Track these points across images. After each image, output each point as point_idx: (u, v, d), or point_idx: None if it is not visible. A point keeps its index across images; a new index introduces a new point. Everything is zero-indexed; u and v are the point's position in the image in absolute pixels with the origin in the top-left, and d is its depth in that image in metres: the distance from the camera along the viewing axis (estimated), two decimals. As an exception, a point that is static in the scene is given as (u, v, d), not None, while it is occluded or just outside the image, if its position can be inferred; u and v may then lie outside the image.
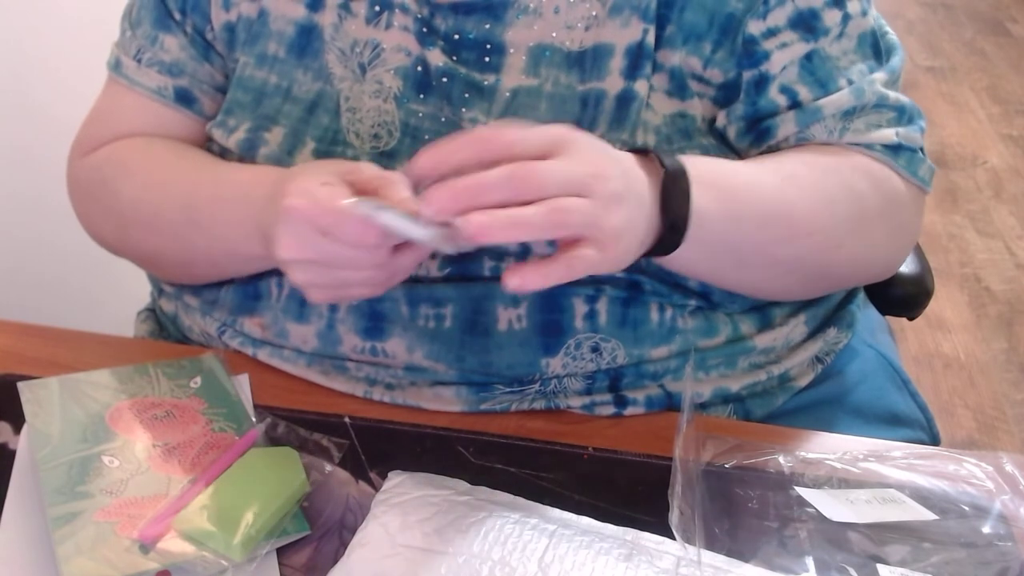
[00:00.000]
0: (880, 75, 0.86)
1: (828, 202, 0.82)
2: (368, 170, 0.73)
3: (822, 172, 0.83)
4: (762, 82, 0.84)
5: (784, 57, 0.84)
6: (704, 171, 0.76)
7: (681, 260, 0.77)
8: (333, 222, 0.69)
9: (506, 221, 0.64)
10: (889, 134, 0.85)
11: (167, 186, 0.88)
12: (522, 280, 0.65)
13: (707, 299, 0.86)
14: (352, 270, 0.72)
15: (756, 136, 0.86)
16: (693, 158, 0.76)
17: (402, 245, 0.72)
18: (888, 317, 1.11)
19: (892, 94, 0.87)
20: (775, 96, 0.85)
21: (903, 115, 0.87)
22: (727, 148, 0.86)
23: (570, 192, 0.65)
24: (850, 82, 0.85)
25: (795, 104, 0.85)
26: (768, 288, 0.87)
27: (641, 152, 0.75)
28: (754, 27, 0.83)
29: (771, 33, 0.84)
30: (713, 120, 0.86)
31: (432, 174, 0.66)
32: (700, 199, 0.74)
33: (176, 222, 0.87)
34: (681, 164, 0.74)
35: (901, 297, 1.10)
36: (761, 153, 0.86)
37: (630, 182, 0.71)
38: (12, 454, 0.77)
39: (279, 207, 0.72)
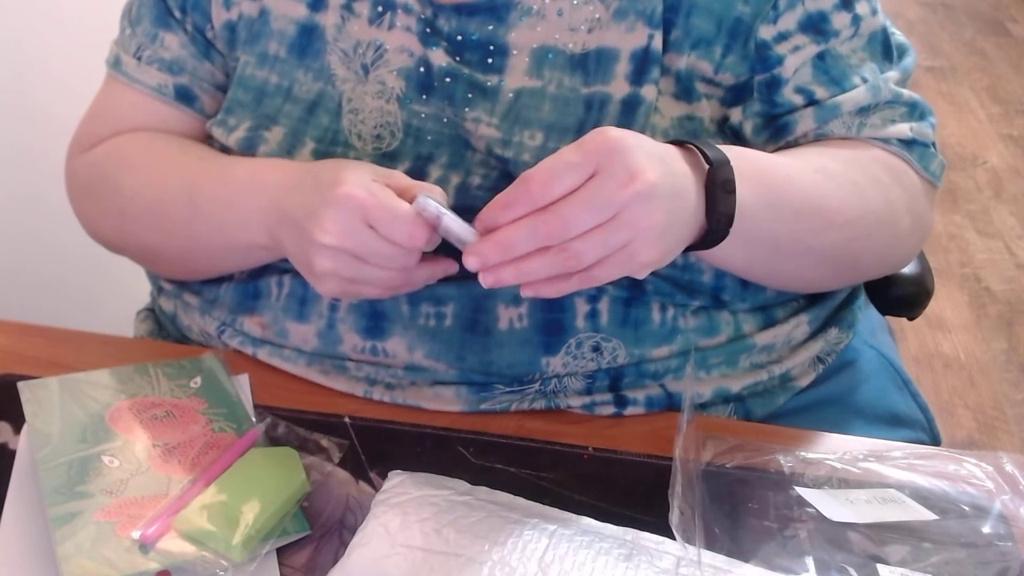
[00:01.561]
0: (893, 74, 0.88)
1: (859, 193, 0.83)
2: (403, 179, 0.76)
3: (849, 164, 0.84)
4: (774, 84, 0.85)
5: (796, 60, 0.84)
6: (745, 164, 0.76)
7: (720, 253, 0.78)
8: (388, 218, 0.72)
9: (513, 275, 0.69)
10: (904, 129, 0.86)
11: (171, 177, 0.89)
12: (535, 291, 0.71)
13: (716, 298, 0.86)
14: (379, 268, 0.74)
15: (773, 132, 0.86)
16: (732, 149, 0.77)
17: (425, 258, 0.75)
18: (888, 317, 1.11)
19: (905, 91, 0.88)
20: (791, 96, 0.85)
21: (915, 111, 0.88)
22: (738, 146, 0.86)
23: (600, 219, 0.68)
24: (864, 80, 0.86)
25: (812, 102, 0.85)
26: (799, 279, 0.88)
27: (680, 144, 0.76)
28: (765, 32, 0.83)
29: (782, 37, 0.84)
30: (722, 120, 0.86)
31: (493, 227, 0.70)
32: (743, 192, 0.75)
33: (178, 212, 0.87)
34: (725, 156, 0.75)
35: (901, 297, 1.10)
36: (778, 149, 0.87)
37: (675, 180, 0.71)
38: (12, 454, 0.77)
39: (331, 193, 0.73)
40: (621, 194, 0.67)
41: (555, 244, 0.68)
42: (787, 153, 0.84)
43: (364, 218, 0.72)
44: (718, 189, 0.74)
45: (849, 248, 0.85)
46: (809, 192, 0.81)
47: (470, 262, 0.69)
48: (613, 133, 0.69)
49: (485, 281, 0.69)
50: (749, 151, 0.81)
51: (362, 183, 0.73)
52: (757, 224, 0.77)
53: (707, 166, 0.74)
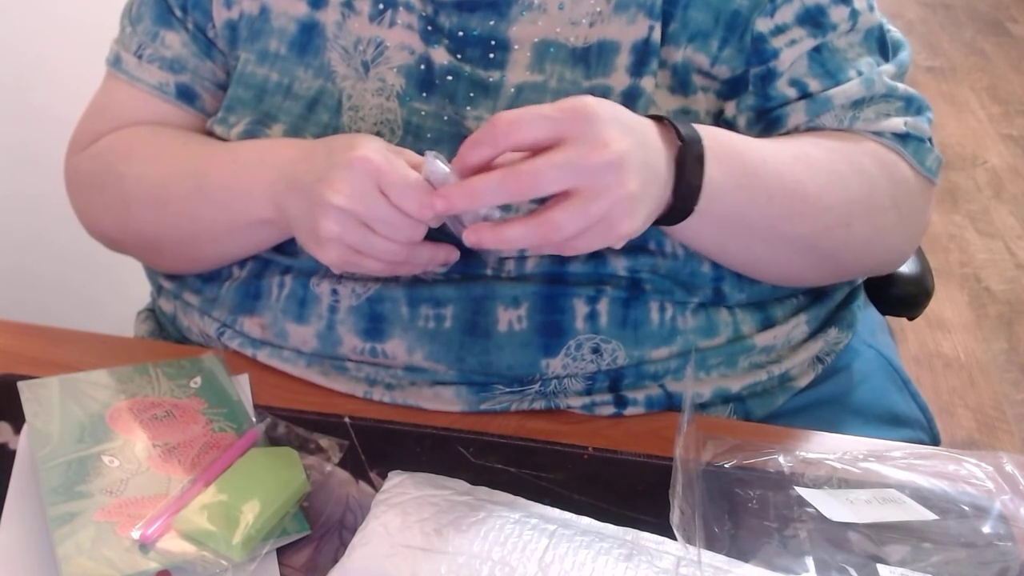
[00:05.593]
0: (888, 68, 0.88)
1: (838, 181, 0.83)
2: (413, 156, 0.76)
3: (833, 152, 0.84)
4: (769, 76, 0.85)
5: (792, 54, 0.85)
6: (717, 143, 0.77)
7: (688, 231, 0.78)
8: (401, 184, 0.72)
9: (493, 239, 0.69)
10: (898, 123, 0.86)
11: (176, 161, 0.89)
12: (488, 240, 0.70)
13: (716, 290, 0.86)
14: (383, 238, 0.74)
15: (766, 125, 0.87)
16: (708, 129, 0.77)
17: (427, 238, 0.76)
18: (888, 317, 1.11)
19: (900, 86, 0.88)
20: (785, 88, 0.85)
21: (911, 105, 0.88)
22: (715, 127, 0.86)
23: (569, 183, 0.68)
24: (859, 73, 0.86)
25: (806, 95, 0.85)
26: (776, 268, 0.87)
27: (657, 119, 0.76)
28: (762, 24, 0.84)
29: (779, 30, 0.84)
30: (718, 113, 0.86)
31: (468, 173, 0.70)
32: (713, 171, 0.75)
33: (182, 195, 0.87)
34: (697, 134, 0.75)
35: (901, 297, 1.10)
36: None
37: (647, 152, 0.71)
38: (12, 454, 0.77)
39: (345, 156, 0.74)
40: (591, 159, 0.67)
41: (531, 211, 0.69)
42: (773, 140, 0.85)
43: (377, 182, 0.73)
44: (687, 165, 0.74)
45: (827, 237, 0.84)
46: (785, 176, 0.81)
47: (436, 204, 0.69)
48: (589, 101, 0.70)
49: (468, 239, 0.70)
50: (725, 132, 0.81)
51: (379, 149, 0.74)
52: (726, 205, 0.78)
53: (679, 142, 0.74)
